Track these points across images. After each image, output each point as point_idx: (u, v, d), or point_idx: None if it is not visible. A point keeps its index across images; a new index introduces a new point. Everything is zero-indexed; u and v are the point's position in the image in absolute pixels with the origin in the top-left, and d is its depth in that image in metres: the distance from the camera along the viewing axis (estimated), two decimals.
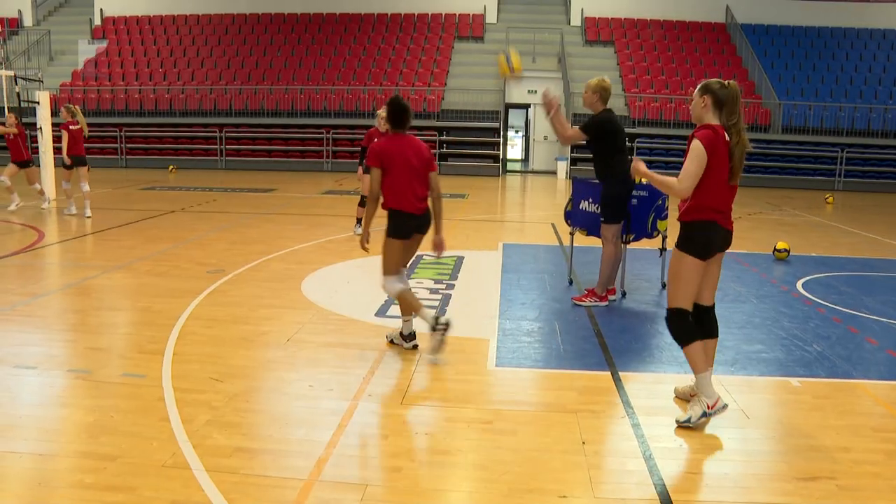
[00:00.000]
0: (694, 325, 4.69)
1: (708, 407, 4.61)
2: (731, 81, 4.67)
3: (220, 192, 17.06)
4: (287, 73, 25.93)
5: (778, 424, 4.70)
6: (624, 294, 7.91)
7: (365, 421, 4.60)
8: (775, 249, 10.31)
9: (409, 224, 5.80)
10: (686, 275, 4.65)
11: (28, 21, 31.58)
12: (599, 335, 6.52)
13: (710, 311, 4.84)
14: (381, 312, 7.02)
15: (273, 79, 25.68)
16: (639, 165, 4.80)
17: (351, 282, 8.37)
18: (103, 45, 28.85)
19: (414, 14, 28.70)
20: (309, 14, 29.23)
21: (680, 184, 4.55)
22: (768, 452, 4.31)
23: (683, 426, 4.62)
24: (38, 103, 15.21)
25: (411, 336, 6.01)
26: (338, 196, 16.10)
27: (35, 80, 16.68)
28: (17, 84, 15.17)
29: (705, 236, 4.63)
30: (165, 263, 9.13)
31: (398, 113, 5.75)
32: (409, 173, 5.70)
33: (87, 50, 28.74)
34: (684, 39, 27.12)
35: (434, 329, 5.70)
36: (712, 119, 4.63)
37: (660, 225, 7.92)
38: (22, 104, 15.18)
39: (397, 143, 5.74)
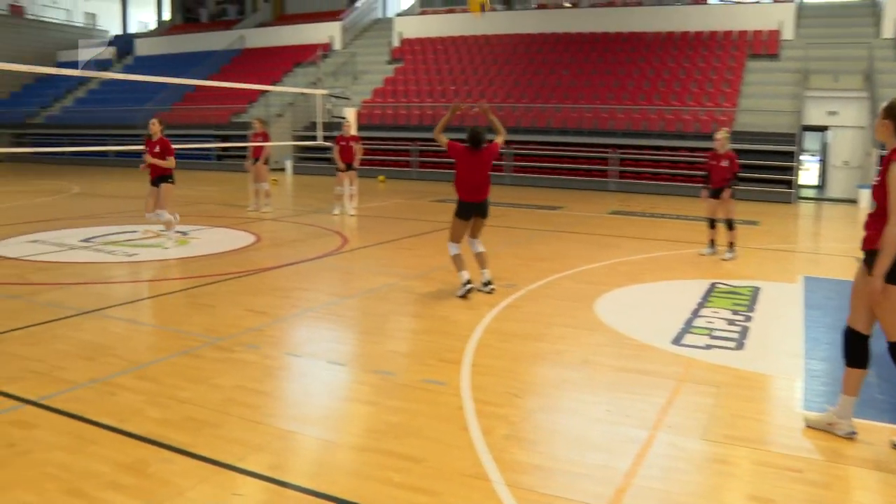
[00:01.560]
0: None
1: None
2: None
3: (507, 206, 17.44)
4: (574, 91, 26.10)
5: None
6: None
7: (664, 453, 4.45)
8: None
9: (467, 210, 8.39)
10: None
11: (337, 45, 34.42)
12: None
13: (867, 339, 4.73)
14: (678, 340, 6.78)
15: (560, 97, 25.94)
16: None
17: (645, 306, 8.20)
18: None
19: (704, 32, 27.79)
20: (596, 33, 29.28)
21: (893, 223, 4.31)
22: None
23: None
24: (345, 118, 16.45)
25: (468, 282, 8.32)
26: (625, 217, 15.89)
27: (344, 98, 18.03)
28: (329, 102, 16.50)
29: None
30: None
31: (473, 139, 8.26)
32: (473, 176, 8.26)
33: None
34: None
35: (463, 286, 8.26)
36: None
37: None
38: (332, 119, 16.44)
39: (470, 156, 8.25)
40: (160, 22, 46.84)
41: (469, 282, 8.32)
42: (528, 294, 8.45)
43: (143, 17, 50.48)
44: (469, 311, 7.65)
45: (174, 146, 11.36)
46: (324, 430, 4.75)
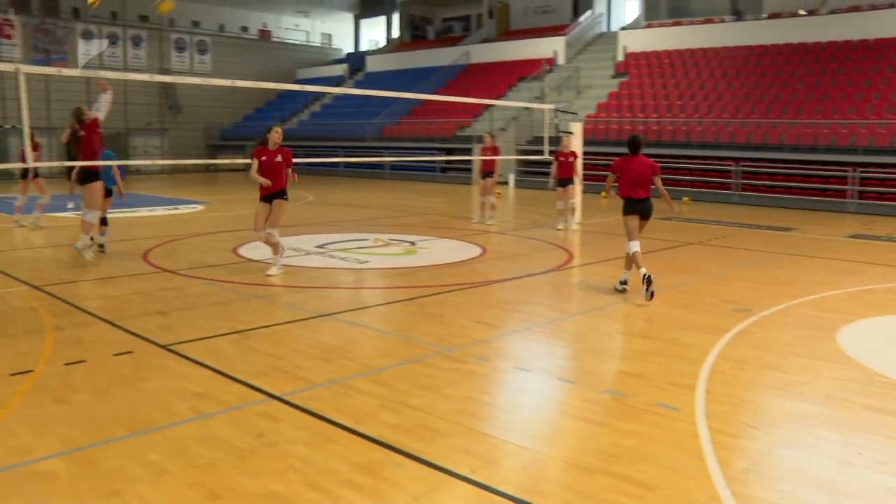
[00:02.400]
0: None
1: None
2: None
3: (735, 226, 16.73)
4: (809, 106, 24.61)
5: None
6: None
7: None
8: None
9: (631, 206, 9.21)
10: None
11: (561, 60, 34.53)
12: None
13: None
14: None
15: (794, 112, 24.54)
16: None
17: None
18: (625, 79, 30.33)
19: None
20: (836, 42, 27.38)
21: None
22: None
23: None
24: (572, 133, 16.45)
25: (624, 282, 9.37)
26: (867, 241, 14.75)
27: (570, 113, 18.03)
28: (556, 116, 16.55)
29: None
30: (688, 296, 9.16)
31: (631, 143, 9.27)
32: (630, 176, 9.16)
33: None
34: None
35: (644, 281, 8.80)
36: None
37: None
38: (558, 133, 16.48)
39: (629, 161, 9.20)
40: (389, 40, 48.94)
41: (625, 282, 9.35)
42: (763, 320, 8.03)
43: (374, 36, 52.99)
44: (700, 334, 7.38)
45: (402, 157, 11.80)
46: (555, 449, 4.73)
